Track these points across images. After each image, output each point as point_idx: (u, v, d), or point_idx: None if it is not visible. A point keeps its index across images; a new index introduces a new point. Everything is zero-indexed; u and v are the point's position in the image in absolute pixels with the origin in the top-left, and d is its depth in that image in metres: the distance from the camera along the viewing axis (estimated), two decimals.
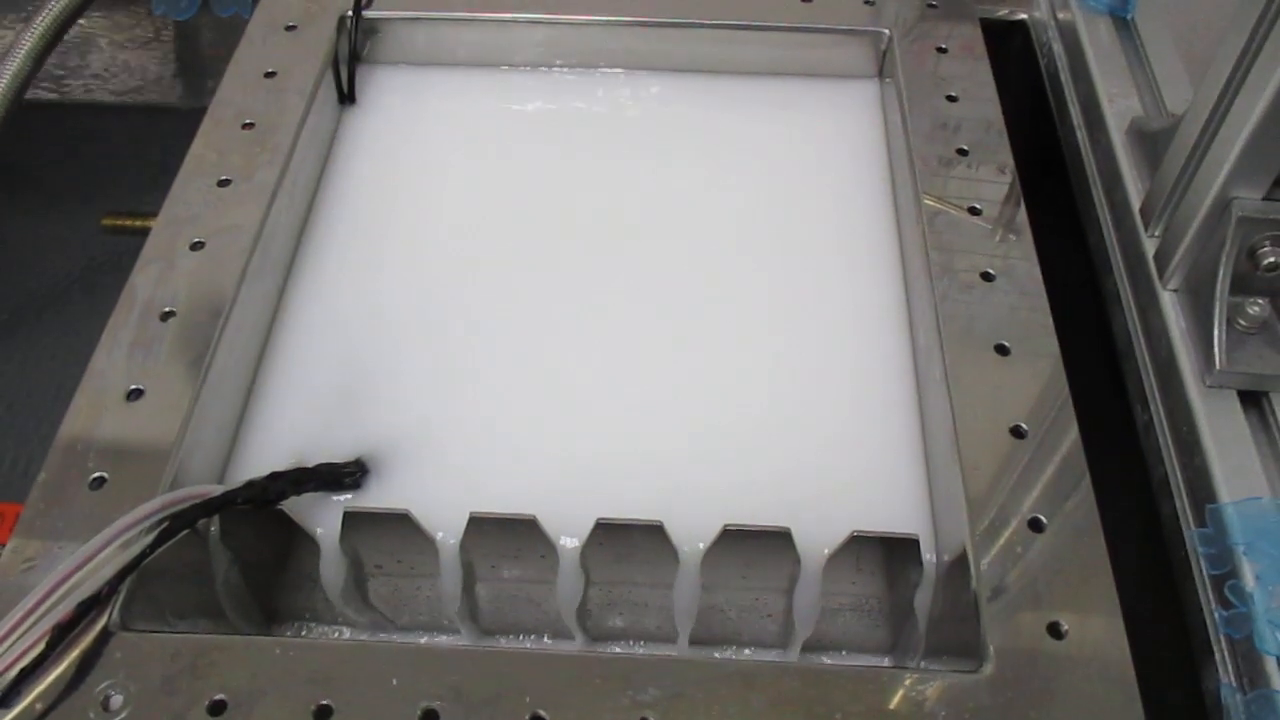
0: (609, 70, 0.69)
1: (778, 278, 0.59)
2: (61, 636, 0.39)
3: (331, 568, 0.49)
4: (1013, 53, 0.73)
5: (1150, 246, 0.53)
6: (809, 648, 0.51)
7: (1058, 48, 0.69)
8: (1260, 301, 0.48)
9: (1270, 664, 0.40)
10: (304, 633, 0.53)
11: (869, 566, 0.49)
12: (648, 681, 0.40)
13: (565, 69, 0.70)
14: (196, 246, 0.54)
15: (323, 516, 0.48)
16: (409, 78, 0.69)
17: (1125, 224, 0.56)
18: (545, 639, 0.52)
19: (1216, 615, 0.42)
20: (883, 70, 0.68)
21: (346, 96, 0.66)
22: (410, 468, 0.50)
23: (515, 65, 0.70)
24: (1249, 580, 0.41)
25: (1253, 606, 0.40)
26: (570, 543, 0.47)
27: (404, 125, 0.66)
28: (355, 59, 0.67)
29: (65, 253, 0.72)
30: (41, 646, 0.39)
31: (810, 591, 0.48)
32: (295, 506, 0.47)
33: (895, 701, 0.40)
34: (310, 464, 0.48)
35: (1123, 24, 0.66)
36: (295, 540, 0.49)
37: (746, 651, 0.53)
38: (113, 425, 0.47)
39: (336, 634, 0.53)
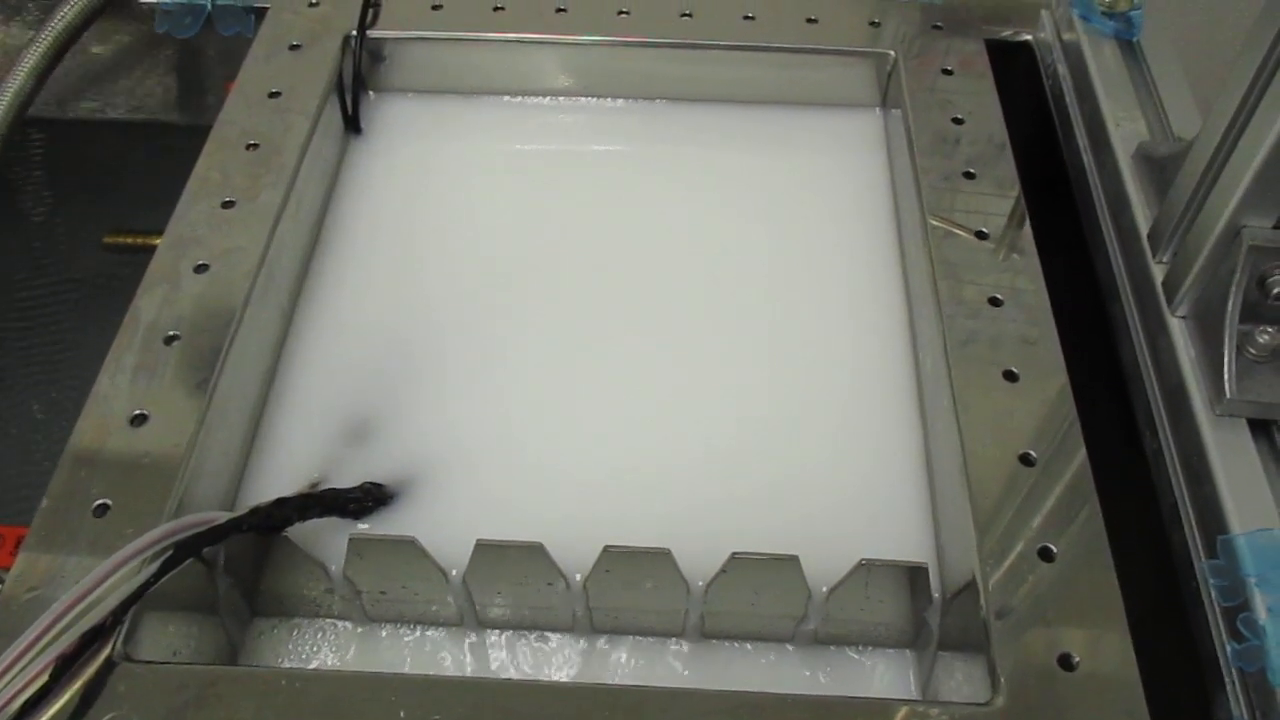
0: (615, 101, 0.69)
1: (783, 307, 0.59)
2: (65, 668, 0.39)
3: (337, 591, 0.48)
4: (1017, 74, 0.72)
5: (1158, 273, 0.53)
6: (822, 640, 0.50)
7: (1063, 69, 0.68)
8: (1270, 330, 0.47)
9: None
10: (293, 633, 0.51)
11: (877, 594, 0.48)
12: (656, 715, 0.40)
13: (571, 98, 0.69)
14: (201, 269, 0.54)
15: (331, 541, 0.48)
16: (417, 107, 0.69)
17: (1132, 249, 0.56)
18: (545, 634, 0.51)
19: (1228, 648, 0.42)
20: (888, 92, 0.68)
21: (352, 123, 0.66)
22: (416, 494, 0.50)
23: (515, 92, 0.69)
24: (1261, 613, 0.41)
25: (1265, 640, 0.40)
26: (577, 569, 0.47)
27: (412, 159, 0.66)
28: (360, 82, 0.66)
29: (67, 271, 0.72)
30: (45, 678, 0.38)
31: (818, 617, 0.48)
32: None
33: None
34: (321, 489, 0.48)
35: (1128, 47, 0.66)
36: (300, 565, 0.48)
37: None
38: (116, 451, 0.47)
39: (337, 627, 0.51)
